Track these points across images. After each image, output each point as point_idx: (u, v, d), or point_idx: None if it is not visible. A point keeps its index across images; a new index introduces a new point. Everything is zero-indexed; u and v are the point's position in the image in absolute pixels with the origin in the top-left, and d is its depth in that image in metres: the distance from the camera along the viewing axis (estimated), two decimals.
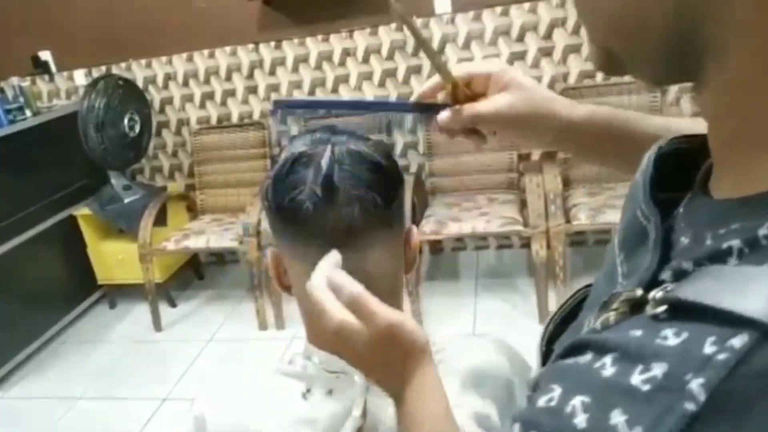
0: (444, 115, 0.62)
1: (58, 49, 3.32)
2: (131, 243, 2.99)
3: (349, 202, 0.60)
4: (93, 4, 3.16)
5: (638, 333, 0.31)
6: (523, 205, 2.66)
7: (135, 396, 2.53)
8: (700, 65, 0.32)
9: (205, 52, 3.17)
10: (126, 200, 3.08)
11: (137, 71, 3.28)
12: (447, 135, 0.64)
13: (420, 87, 0.66)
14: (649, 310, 0.32)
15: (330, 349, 0.67)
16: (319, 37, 3.01)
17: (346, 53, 3.01)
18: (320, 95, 3.10)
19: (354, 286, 0.54)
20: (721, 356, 0.27)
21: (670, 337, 0.29)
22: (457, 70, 0.63)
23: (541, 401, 0.34)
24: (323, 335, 0.60)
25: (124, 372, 2.74)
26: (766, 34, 0.29)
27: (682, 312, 0.30)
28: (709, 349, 0.27)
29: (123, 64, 3.27)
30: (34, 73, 3.35)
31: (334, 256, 0.58)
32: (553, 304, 2.52)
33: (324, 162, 0.61)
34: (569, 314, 0.48)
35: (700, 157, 0.39)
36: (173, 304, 3.21)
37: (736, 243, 0.30)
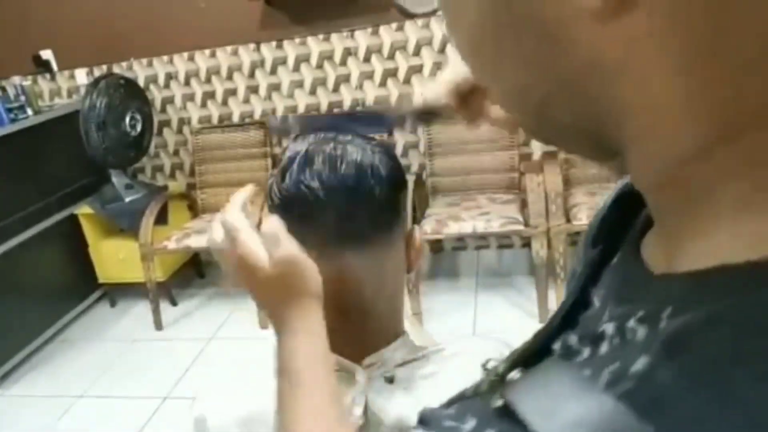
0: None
1: (60, 48, 3.32)
2: (132, 242, 2.99)
3: (354, 202, 0.61)
4: (94, 4, 3.16)
5: (472, 424, 0.28)
6: (523, 204, 2.66)
7: (136, 395, 2.53)
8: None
9: (207, 51, 3.17)
10: (127, 199, 3.08)
11: (138, 70, 3.28)
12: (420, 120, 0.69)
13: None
14: (494, 400, 0.28)
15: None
16: (320, 36, 3.01)
17: (348, 53, 3.02)
18: (321, 95, 3.11)
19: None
20: None
21: None
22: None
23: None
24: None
25: (125, 371, 2.74)
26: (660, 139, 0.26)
27: (508, 416, 0.26)
28: None
29: (124, 64, 3.27)
30: (36, 72, 3.36)
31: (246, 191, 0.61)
32: (554, 304, 2.52)
33: (328, 161, 0.61)
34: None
35: None
36: (174, 303, 3.21)
37: (610, 328, 0.26)
